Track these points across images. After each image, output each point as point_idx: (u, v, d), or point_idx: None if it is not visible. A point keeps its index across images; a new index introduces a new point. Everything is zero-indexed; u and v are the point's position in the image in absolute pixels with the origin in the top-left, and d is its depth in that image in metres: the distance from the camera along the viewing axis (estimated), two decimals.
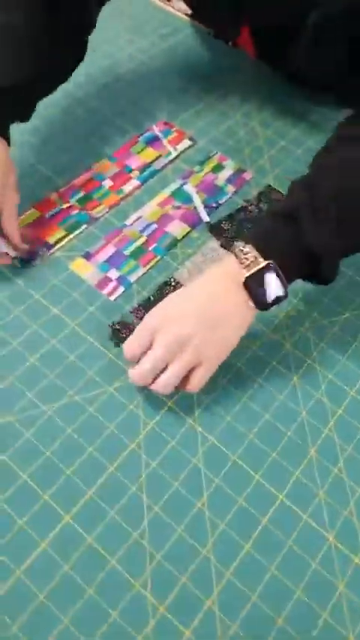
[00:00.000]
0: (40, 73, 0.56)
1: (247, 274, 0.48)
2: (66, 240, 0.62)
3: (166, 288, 0.60)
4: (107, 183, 0.67)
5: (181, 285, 0.60)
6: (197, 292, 0.50)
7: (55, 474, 0.48)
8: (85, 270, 0.60)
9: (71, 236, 0.62)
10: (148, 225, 0.64)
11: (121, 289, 0.59)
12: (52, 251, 0.61)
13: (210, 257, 0.63)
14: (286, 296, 0.49)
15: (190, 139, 0.74)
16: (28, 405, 0.51)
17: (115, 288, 0.59)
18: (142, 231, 0.64)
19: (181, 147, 0.72)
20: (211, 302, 0.49)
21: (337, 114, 0.79)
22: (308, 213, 0.48)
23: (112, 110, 0.75)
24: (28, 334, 0.55)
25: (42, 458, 0.49)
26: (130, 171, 0.69)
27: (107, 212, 0.65)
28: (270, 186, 0.70)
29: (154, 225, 0.65)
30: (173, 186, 0.68)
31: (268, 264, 0.48)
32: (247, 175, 0.71)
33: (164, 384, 0.48)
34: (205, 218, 0.66)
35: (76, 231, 0.63)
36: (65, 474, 0.48)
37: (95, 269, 0.60)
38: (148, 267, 0.61)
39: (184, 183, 0.69)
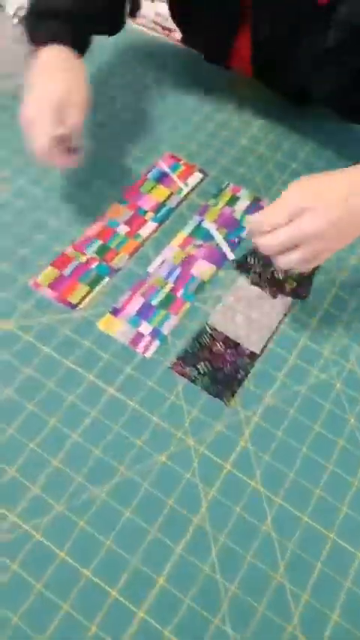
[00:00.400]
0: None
1: None
2: (89, 297, 0.58)
3: (203, 337, 0.56)
4: (123, 229, 0.63)
5: (217, 332, 0.56)
6: (347, 183, 0.49)
7: (118, 568, 0.44)
8: (115, 328, 0.56)
9: (94, 292, 0.58)
10: (172, 270, 0.60)
11: (156, 344, 0.55)
12: (76, 311, 0.56)
13: (242, 296, 0.59)
14: None
15: (200, 171, 0.70)
16: (77, 490, 0.47)
17: (149, 344, 0.55)
18: (167, 277, 0.60)
19: (192, 181, 0.69)
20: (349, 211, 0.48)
21: (343, 131, 0.76)
22: None
23: (113, 150, 0.71)
24: (66, 408, 0.51)
25: (102, 550, 0.44)
26: (145, 213, 0.65)
27: (128, 260, 0.61)
28: None
29: (179, 269, 0.61)
30: (191, 224, 0.64)
31: None
32: (264, 204, 0.67)
33: (289, 262, 0.49)
34: (230, 255, 0.62)
35: (99, 286, 0.59)
36: (131, 564, 0.44)
37: (125, 325, 0.56)
38: (179, 315, 0.57)
39: (202, 220, 0.65)
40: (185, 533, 0.45)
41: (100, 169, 0.69)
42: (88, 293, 0.58)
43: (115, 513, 0.46)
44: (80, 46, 0.62)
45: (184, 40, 0.84)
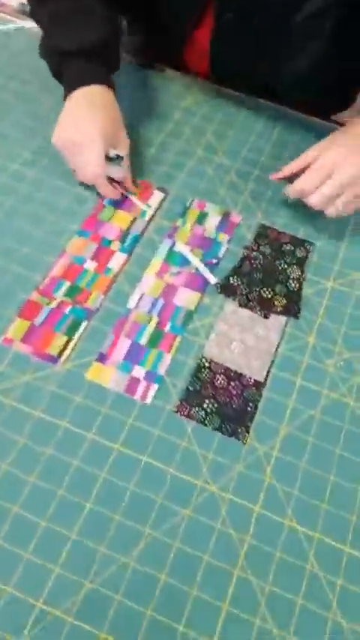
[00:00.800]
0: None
1: None
2: (70, 346, 0.59)
3: (202, 372, 0.59)
4: (90, 264, 0.65)
5: (215, 363, 0.60)
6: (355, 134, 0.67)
7: (167, 636, 0.46)
8: (106, 377, 0.58)
9: (74, 339, 0.59)
10: (154, 303, 0.63)
11: (154, 387, 0.58)
12: (59, 364, 0.58)
13: (234, 322, 0.63)
14: None
15: (160, 189, 0.73)
16: (104, 562, 0.48)
17: (147, 389, 0.58)
18: (149, 312, 0.63)
19: (153, 201, 0.72)
20: None
21: (302, 127, 0.83)
22: None
23: (59, 177, 0.72)
24: (73, 475, 0.52)
25: (144, 621, 0.46)
26: (110, 243, 0.67)
27: (103, 299, 0.63)
28: (264, 225, 0.72)
29: (161, 301, 0.64)
30: (164, 249, 0.68)
31: None
32: (236, 218, 0.72)
33: (337, 209, 0.66)
34: (212, 279, 0.66)
35: (78, 332, 0.60)
36: (179, 631, 0.46)
37: (116, 372, 0.58)
38: (172, 352, 0.60)
39: (174, 243, 0.68)
40: (228, 587, 0.48)
41: (49, 201, 0.70)
42: (67, 342, 0.59)
43: (150, 580, 0.48)
44: (110, 83, 0.71)
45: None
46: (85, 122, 0.66)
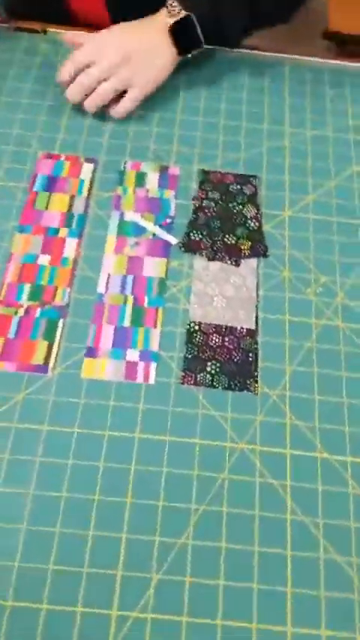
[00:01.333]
0: None
1: (173, 21, 0.69)
2: (54, 350, 0.55)
3: (194, 336, 0.58)
4: (44, 259, 0.61)
5: (204, 324, 0.58)
6: (129, 31, 0.70)
7: None
8: (102, 370, 0.55)
9: (56, 341, 0.56)
10: (123, 281, 0.60)
11: (153, 365, 0.56)
12: (49, 372, 0.54)
13: (208, 278, 0.61)
14: (202, 44, 0.72)
15: (88, 160, 0.68)
16: (162, 553, 0.48)
17: (147, 369, 0.56)
18: (122, 291, 0.60)
19: (85, 175, 0.67)
20: (141, 40, 0.69)
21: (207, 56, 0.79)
22: None
23: None
24: (103, 476, 0.50)
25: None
26: (57, 232, 0.63)
27: (70, 291, 0.59)
28: (204, 170, 0.69)
29: (130, 277, 0.60)
30: (114, 223, 0.64)
31: (188, 15, 0.69)
32: (174, 170, 0.69)
33: (98, 96, 0.68)
34: (173, 240, 0.63)
35: (57, 333, 0.56)
36: (255, 589, 0.47)
37: (110, 362, 0.56)
38: (158, 325, 0.58)
39: (122, 214, 0.64)
40: (286, 534, 0.49)
41: None
42: (49, 347, 0.56)
43: (212, 552, 0.48)
44: None
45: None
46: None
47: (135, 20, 0.71)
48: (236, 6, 0.72)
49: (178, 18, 0.69)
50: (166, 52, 0.70)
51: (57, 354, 0.56)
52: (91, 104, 0.69)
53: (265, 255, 0.63)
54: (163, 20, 0.70)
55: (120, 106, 0.70)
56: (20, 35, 0.79)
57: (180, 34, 0.70)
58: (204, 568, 0.48)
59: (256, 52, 0.82)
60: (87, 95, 0.69)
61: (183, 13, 0.69)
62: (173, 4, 0.69)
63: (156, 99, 0.74)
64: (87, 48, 0.68)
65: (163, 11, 0.70)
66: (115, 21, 0.75)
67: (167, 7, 0.70)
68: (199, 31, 0.70)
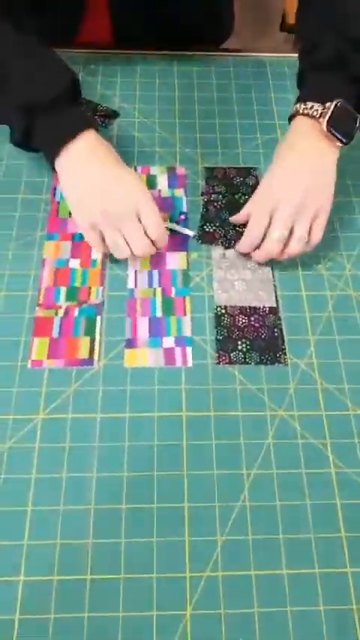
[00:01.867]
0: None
1: (327, 118, 0.60)
2: (97, 343, 0.59)
3: (222, 319, 0.62)
4: (74, 263, 0.64)
5: (230, 307, 0.62)
6: (294, 163, 0.62)
7: None
8: (143, 358, 0.59)
9: (96, 336, 0.59)
10: (150, 276, 0.64)
11: (189, 349, 0.60)
12: (95, 364, 0.58)
13: (227, 266, 0.65)
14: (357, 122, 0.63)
15: None
16: (224, 517, 0.51)
17: (184, 354, 0.59)
18: (150, 285, 0.63)
19: None
20: (309, 160, 0.62)
21: (205, 64, 0.83)
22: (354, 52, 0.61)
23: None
24: (159, 455, 0.54)
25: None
26: (82, 237, 0.66)
27: (103, 290, 0.63)
28: (207, 167, 0.73)
29: (156, 272, 0.64)
30: None
31: (337, 103, 0.60)
32: (180, 170, 0.73)
33: (297, 242, 0.61)
34: (190, 233, 0.67)
35: (97, 328, 0.60)
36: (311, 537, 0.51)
37: (150, 350, 0.59)
38: (188, 313, 0.62)
39: None
40: (334, 489, 0.53)
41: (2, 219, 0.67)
42: (92, 341, 0.59)
43: (270, 511, 0.52)
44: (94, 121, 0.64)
45: None
46: (118, 180, 0.59)
47: (282, 148, 0.64)
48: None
49: (328, 114, 0.60)
50: (331, 156, 0.63)
51: (100, 348, 0.59)
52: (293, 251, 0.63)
53: None
54: (310, 128, 0.62)
55: (313, 239, 0.63)
56: None
57: (340, 126, 0.61)
58: (263, 525, 0.51)
59: (234, 54, 0.87)
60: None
61: (329, 105, 0.61)
62: (309, 106, 0.62)
63: (155, 108, 0.78)
64: (254, 225, 0.63)
65: (302, 122, 0.63)
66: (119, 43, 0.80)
67: (303, 114, 0.62)
68: (349, 108, 0.62)
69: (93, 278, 0.63)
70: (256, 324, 0.62)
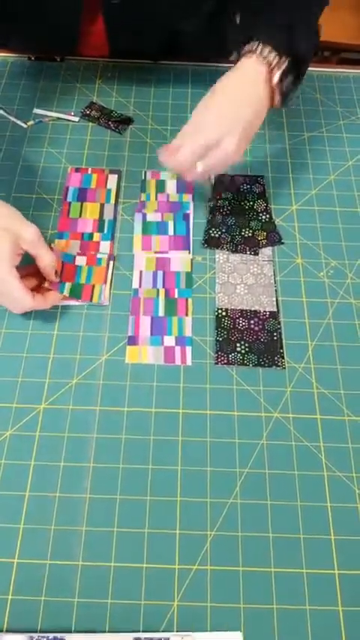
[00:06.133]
0: None
1: (279, 75, 0.60)
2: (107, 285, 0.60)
3: (223, 321, 0.62)
4: (81, 260, 0.65)
5: (231, 310, 0.63)
6: (228, 97, 0.60)
7: None
8: (144, 355, 0.59)
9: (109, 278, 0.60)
10: (154, 276, 0.65)
11: (189, 349, 0.60)
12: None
13: (230, 269, 0.66)
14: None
15: (112, 171, 0.73)
16: (215, 512, 0.51)
17: (183, 353, 0.60)
18: (154, 285, 0.64)
19: (111, 185, 0.72)
20: (242, 101, 0.60)
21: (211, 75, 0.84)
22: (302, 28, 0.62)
23: (10, 190, 0.71)
24: (154, 449, 0.54)
25: None
26: (91, 237, 0.67)
27: (104, 287, 0.63)
28: (215, 174, 0.74)
29: (160, 272, 0.65)
30: (138, 225, 0.68)
31: (290, 59, 0.60)
32: None
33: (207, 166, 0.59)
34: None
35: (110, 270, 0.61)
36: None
37: (150, 348, 0.60)
38: (189, 314, 0.62)
39: (145, 215, 0.69)
40: (324, 488, 0.53)
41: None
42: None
43: (259, 508, 0.52)
44: None
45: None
46: None
47: (221, 84, 0.61)
48: (310, 31, 0.65)
49: (282, 68, 0.60)
50: (263, 112, 0.62)
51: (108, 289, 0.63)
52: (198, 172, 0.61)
53: (280, 242, 0.68)
54: (257, 71, 0.60)
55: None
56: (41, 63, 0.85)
57: (288, 85, 0.62)
58: (253, 523, 0.51)
59: None
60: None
61: (284, 60, 0.60)
62: (263, 52, 0.59)
63: (168, 116, 0.79)
64: (194, 140, 0.59)
65: (252, 58, 0.60)
66: (114, 52, 0.81)
67: (256, 52, 0.60)
68: (304, 70, 0.63)
69: (98, 275, 0.64)
70: (256, 328, 0.62)
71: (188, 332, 0.61)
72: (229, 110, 0.60)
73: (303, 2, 0.66)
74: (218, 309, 0.63)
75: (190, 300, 0.63)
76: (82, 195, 0.70)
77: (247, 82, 0.61)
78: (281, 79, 0.61)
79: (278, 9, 0.64)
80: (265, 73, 0.60)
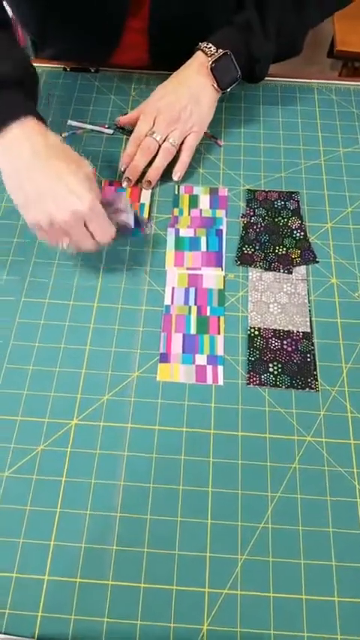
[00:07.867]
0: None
1: (212, 60, 0.73)
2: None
3: (255, 341, 0.62)
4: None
5: (263, 329, 0.63)
6: (175, 84, 0.74)
7: None
8: (175, 373, 0.60)
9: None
10: (187, 293, 0.65)
11: (220, 368, 0.61)
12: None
13: (263, 288, 0.66)
14: (239, 78, 0.76)
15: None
16: (246, 536, 0.52)
17: (215, 372, 0.60)
18: (186, 302, 0.65)
19: (145, 199, 0.73)
20: (190, 87, 0.74)
21: (247, 88, 0.85)
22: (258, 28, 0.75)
23: None
24: (186, 469, 0.55)
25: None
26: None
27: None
28: (250, 190, 0.74)
29: (192, 290, 0.66)
30: (171, 240, 0.69)
31: (226, 52, 0.73)
32: (223, 191, 0.74)
33: (167, 149, 0.72)
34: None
35: None
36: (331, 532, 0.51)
37: (182, 366, 0.60)
38: (221, 332, 0.63)
39: (178, 231, 0.70)
40: (357, 514, 0.53)
41: None
42: None
43: (291, 534, 0.52)
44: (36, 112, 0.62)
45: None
46: (53, 180, 0.57)
47: (174, 74, 0.75)
48: (265, 41, 0.75)
49: (216, 57, 0.73)
50: (209, 92, 0.74)
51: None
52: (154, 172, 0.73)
53: (315, 261, 0.68)
54: (201, 62, 0.74)
55: (178, 165, 0.74)
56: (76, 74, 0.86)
57: (220, 71, 0.74)
58: (285, 549, 0.52)
59: (282, 79, 0.88)
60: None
61: (220, 52, 0.73)
62: (208, 46, 0.73)
63: None
64: (140, 124, 0.73)
65: (199, 54, 0.74)
66: (155, 64, 0.84)
67: (203, 50, 0.74)
68: (236, 65, 0.74)
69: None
70: (289, 348, 0.62)
71: (220, 351, 0.62)
72: (171, 88, 0.74)
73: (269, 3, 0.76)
74: (251, 327, 0.64)
75: (222, 318, 0.64)
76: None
77: (191, 69, 0.75)
78: (214, 67, 0.74)
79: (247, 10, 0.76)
80: (207, 63, 0.74)
